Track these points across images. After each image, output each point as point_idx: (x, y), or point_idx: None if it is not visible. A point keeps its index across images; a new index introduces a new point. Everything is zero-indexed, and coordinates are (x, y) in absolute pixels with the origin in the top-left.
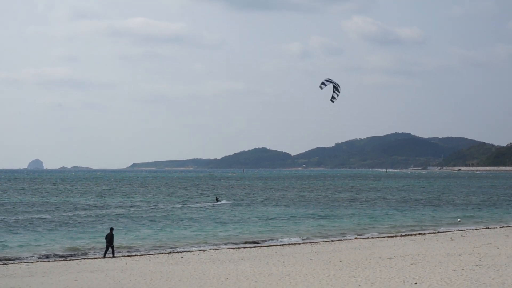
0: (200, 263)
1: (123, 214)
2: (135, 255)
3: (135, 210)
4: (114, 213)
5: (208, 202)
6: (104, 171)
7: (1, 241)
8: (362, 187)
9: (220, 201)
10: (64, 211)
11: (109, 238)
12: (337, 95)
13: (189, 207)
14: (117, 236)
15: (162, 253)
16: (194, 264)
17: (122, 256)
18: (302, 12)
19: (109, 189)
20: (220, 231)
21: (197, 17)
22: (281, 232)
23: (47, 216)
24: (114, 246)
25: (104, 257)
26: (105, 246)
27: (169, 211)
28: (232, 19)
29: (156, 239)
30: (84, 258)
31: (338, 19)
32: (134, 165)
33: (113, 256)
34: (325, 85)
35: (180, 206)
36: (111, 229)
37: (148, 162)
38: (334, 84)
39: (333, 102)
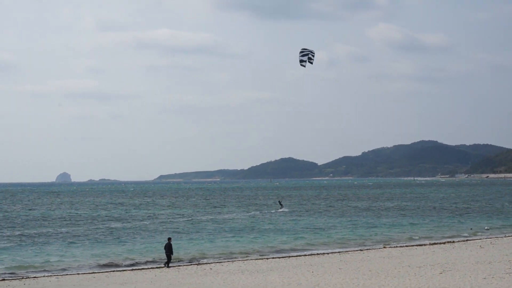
0: (229, 273)
1: (206, 223)
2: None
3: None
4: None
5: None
6: (132, 183)
7: (38, 255)
8: (411, 195)
9: (282, 206)
10: (106, 223)
11: (168, 248)
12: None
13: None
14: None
15: (191, 264)
16: (223, 275)
17: (151, 268)
18: (327, 21)
19: (175, 201)
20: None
21: (223, 27)
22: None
23: (79, 229)
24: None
25: (168, 267)
26: (166, 256)
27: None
28: (257, 29)
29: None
30: (113, 271)
31: (363, 27)
32: (161, 176)
33: (168, 267)
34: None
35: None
36: (169, 239)
37: (175, 173)
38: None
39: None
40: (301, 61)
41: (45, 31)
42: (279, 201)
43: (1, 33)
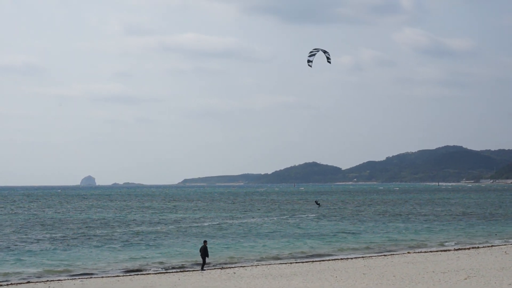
0: (252, 278)
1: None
2: (191, 270)
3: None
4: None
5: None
6: (156, 187)
7: (67, 258)
8: (440, 200)
9: (319, 204)
10: (133, 227)
11: (203, 251)
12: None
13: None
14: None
15: (215, 268)
16: (246, 279)
17: (175, 272)
18: (352, 25)
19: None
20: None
21: (248, 31)
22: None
23: (107, 232)
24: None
25: (202, 269)
26: (202, 259)
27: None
28: (283, 33)
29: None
30: (138, 274)
31: (389, 31)
32: (185, 180)
33: (202, 269)
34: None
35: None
36: (205, 242)
37: (199, 177)
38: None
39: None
40: (308, 61)
41: (72, 35)
42: (316, 201)
43: (28, 36)
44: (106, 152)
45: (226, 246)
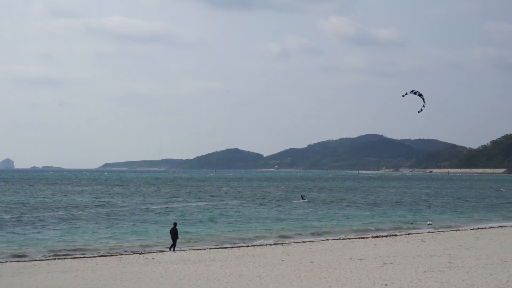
0: (171, 263)
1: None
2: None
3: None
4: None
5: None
6: (76, 171)
7: None
8: (363, 189)
9: (304, 199)
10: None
11: (173, 233)
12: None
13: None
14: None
15: (133, 253)
16: (165, 265)
17: (93, 257)
18: (281, 12)
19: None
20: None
21: (175, 16)
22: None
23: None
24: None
25: (170, 250)
26: (172, 240)
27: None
28: (210, 19)
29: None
30: (55, 259)
31: (317, 20)
32: (106, 165)
33: (174, 251)
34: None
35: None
36: (175, 224)
37: (120, 162)
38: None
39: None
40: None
41: None
42: (301, 196)
43: None
44: (26, 134)
45: (144, 231)
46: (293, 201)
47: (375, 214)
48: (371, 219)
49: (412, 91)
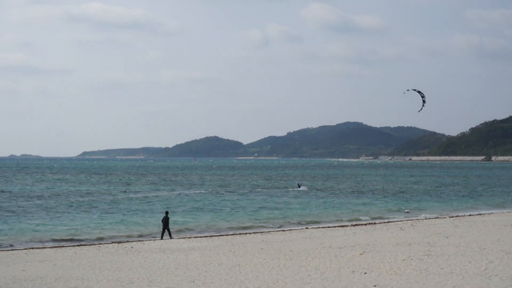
0: (150, 252)
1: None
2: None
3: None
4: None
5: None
6: (55, 159)
7: None
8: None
9: (300, 187)
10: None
11: (165, 221)
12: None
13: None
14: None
15: (112, 242)
16: (144, 254)
17: (71, 246)
18: None
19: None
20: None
21: (156, 4)
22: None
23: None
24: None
25: (161, 238)
26: (162, 229)
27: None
28: (191, 7)
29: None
30: (32, 248)
31: (297, 7)
32: (84, 153)
33: (170, 237)
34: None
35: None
36: (167, 213)
37: (99, 150)
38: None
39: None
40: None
41: None
42: (298, 184)
43: None
44: (4, 122)
45: (127, 220)
46: (289, 190)
47: (370, 203)
48: (368, 207)
49: (415, 89)
